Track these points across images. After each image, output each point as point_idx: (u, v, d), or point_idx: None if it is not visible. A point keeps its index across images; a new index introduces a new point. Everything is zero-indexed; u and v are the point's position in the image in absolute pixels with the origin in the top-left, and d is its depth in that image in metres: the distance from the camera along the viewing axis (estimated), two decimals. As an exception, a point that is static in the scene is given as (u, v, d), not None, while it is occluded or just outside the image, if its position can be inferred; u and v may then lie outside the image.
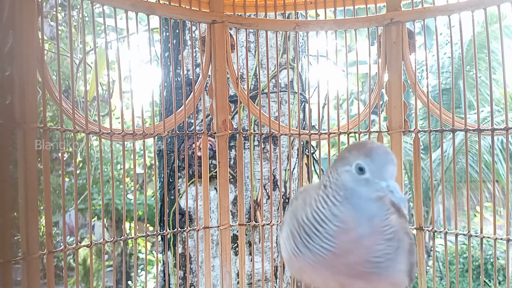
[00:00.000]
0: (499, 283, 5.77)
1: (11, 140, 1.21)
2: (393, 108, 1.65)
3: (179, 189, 2.38)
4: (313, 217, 0.81)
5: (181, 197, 2.36)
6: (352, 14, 1.76)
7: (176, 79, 2.39)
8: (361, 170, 0.78)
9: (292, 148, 2.47)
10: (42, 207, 1.40)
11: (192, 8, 1.66)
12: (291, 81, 2.39)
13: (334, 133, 1.72)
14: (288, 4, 1.77)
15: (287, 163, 2.39)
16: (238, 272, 1.81)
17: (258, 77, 1.91)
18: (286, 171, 2.39)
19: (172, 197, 2.37)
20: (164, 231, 1.61)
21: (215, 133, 1.69)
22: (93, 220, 7.44)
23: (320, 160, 2.04)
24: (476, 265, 6.29)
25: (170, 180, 2.39)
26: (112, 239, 1.49)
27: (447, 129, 1.59)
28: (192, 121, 2.23)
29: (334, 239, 0.78)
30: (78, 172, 5.20)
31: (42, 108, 1.39)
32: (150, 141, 1.76)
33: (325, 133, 1.73)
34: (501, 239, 1.45)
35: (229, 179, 1.85)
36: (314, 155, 3.00)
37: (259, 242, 2.17)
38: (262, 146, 2.34)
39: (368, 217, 0.79)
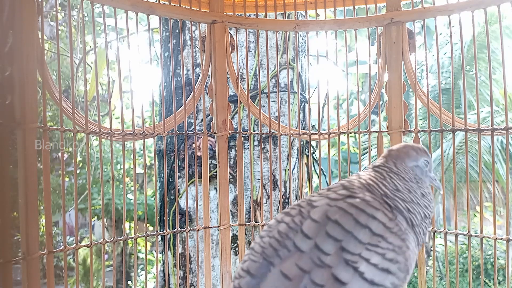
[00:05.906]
0: (499, 283, 5.77)
1: (11, 140, 1.21)
2: (393, 108, 1.65)
3: (179, 189, 2.38)
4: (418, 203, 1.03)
5: (181, 197, 2.36)
6: (352, 14, 1.76)
7: (176, 79, 2.39)
8: (426, 165, 1.09)
9: (292, 148, 2.47)
10: (42, 207, 1.40)
11: (192, 8, 1.66)
12: (291, 81, 2.39)
13: (334, 133, 1.72)
14: (288, 4, 1.77)
15: (287, 163, 2.39)
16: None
17: (258, 77, 1.91)
18: (286, 171, 2.39)
19: (172, 197, 2.37)
20: (164, 231, 1.61)
21: (215, 133, 1.69)
22: (93, 220, 7.44)
23: (320, 160, 2.04)
24: (476, 265, 6.30)
25: (170, 180, 2.39)
26: (112, 239, 1.49)
27: (447, 129, 1.59)
28: (192, 121, 2.23)
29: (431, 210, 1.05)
30: (78, 172, 5.20)
31: (42, 108, 1.39)
32: (150, 141, 1.76)
33: (325, 133, 1.73)
34: (501, 239, 1.46)
35: (229, 179, 1.85)
36: (314, 155, 3.00)
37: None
38: (262, 146, 2.34)
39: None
